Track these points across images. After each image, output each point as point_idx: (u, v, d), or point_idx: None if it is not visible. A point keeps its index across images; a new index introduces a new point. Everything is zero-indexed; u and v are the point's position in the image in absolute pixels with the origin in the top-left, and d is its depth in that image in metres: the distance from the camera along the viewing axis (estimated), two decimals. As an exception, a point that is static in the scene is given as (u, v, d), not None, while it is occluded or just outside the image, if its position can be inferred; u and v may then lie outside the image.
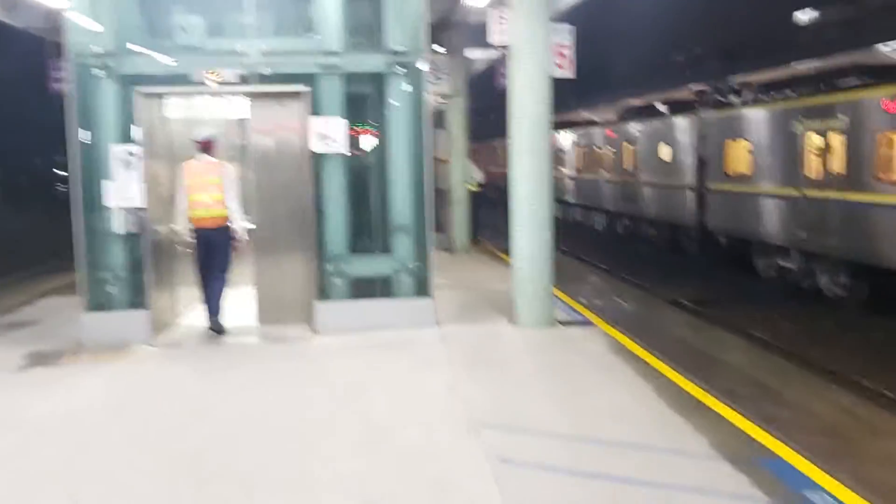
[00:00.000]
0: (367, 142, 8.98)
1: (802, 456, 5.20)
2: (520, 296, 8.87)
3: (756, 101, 17.01)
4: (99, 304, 8.47)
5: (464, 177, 15.59)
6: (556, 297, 10.49)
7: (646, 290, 15.86)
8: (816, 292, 14.75)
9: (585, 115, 31.03)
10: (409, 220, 8.86)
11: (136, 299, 8.51)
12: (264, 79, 8.54)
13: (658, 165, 21.34)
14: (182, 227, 8.77)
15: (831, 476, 4.87)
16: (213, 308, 8.82)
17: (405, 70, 8.67)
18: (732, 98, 18.17)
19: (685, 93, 21.31)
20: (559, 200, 30.53)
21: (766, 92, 16.90)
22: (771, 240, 15.98)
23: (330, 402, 6.53)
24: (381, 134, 8.90)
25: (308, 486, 4.90)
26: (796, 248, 15.12)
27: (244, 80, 8.51)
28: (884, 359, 10.65)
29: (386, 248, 8.92)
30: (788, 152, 15.27)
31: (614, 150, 24.56)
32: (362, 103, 8.92)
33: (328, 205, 8.73)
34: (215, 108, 10.86)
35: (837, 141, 13.88)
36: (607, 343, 8.18)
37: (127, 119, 8.40)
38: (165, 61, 8.45)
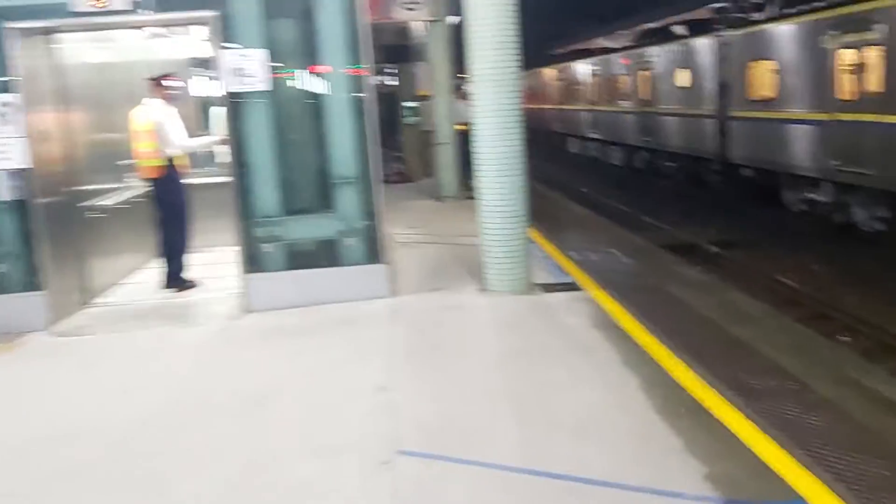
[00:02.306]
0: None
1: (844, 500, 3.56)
2: (489, 257, 7.21)
3: (780, 17, 14.82)
4: (-15, 286, 6.99)
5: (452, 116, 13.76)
6: (543, 250, 8.84)
7: (662, 233, 14.12)
8: (851, 227, 12.89)
9: (601, 42, 28.75)
10: (352, 171, 7.18)
11: (30, 279, 7.00)
12: (163, 4, 6.82)
13: (676, 93, 19.24)
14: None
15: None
16: (167, 268, 8.03)
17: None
18: (755, 15, 15.97)
19: (703, 12, 19.10)
20: (577, 136, 28.51)
21: (791, 4, 14.70)
22: (800, 170, 14.01)
23: (224, 413, 5.00)
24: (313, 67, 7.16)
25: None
26: (828, 178, 13.17)
27: (137, 6, 6.80)
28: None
29: (328, 207, 7.27)
30: (817, 71, 13.20)
31: (630, 79, 22.41)
32: (287, 30, 7.15)
33: (254, 156, 7.09)
34: (155, 49, 9.32)
35: (873, 55, 11.81)
36: (592, 314, 6.51)
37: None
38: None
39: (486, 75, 6.91)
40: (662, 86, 20.06)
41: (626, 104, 22.67)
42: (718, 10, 17.71)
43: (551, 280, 7.64)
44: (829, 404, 4.71)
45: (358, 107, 7.10)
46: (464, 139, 13.94)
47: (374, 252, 7.23)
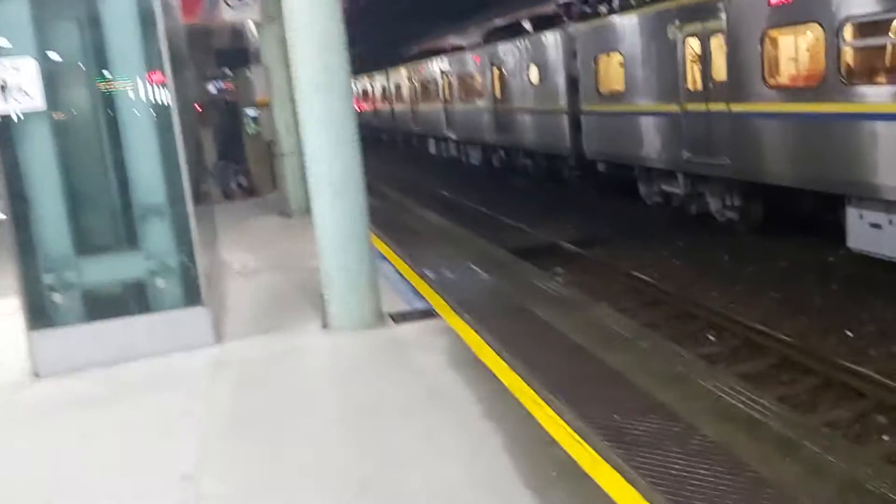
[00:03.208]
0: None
1: None
2: (330, 290, 6.19)
3: (625, 8, 14.52)
4: None
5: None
6: (397, 269, 7.90)
7: (523, 234, 13.55)
8: (706, 217, 12.71)
9: (454, 40, 28.25)
10: (160, 198, 5.98)
11: None
12: None
13: (528, 90, 18.81)
14: None
15: None
16: None
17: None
18: (601, 7, 15.65)
19: (551, 6, 18.78)
20: (436, 136, 27.79)
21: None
22: (653, 163, 13.75)
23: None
24: (104, 76, 5.89)
25: None
26: (682, 170, 12.94)
27: None
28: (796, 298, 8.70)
29: (133, 242, 6.02)
30: (665, 63, 12.93)
31: (483, 77, 21.86)
32: (68, 36, 5.85)
33: (35, 187, 5.75)
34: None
35: (717, 45, 11.59)
36: (449, 348, 5.61)
37: None
38: None
39: (312, 81, 5.86)
40: (514, 83, 19.60)
41: (480, 103, 22.13)
42: (565, 4, 17.40)
43: (405, 307, 6.70)
44: (716, 448, 4.03)
45: (162, 121, 5.90)
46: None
47: (192, 293, 6.04)
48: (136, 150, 5.89)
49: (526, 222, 14.32)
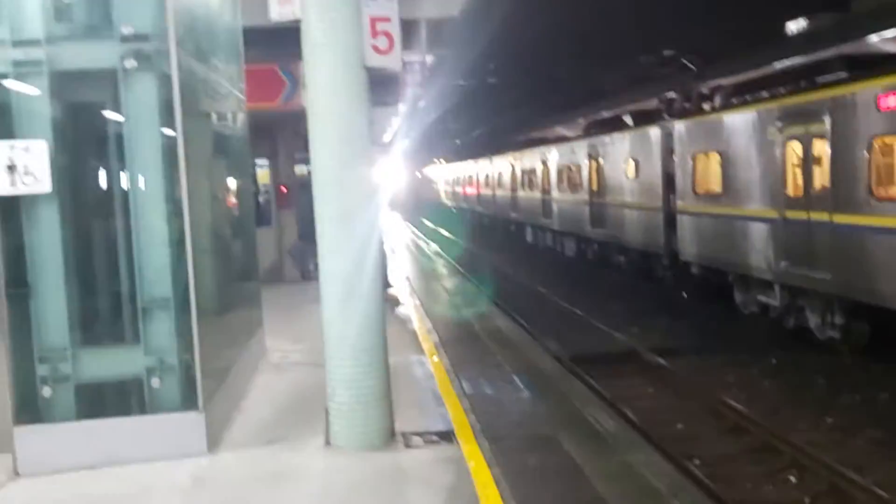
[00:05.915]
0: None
1: None
2: (334, 402, 5.46)
3: (725, 107, 13.55)
4: None
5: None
6: (433, 374, 7.11)
7: (603, 336, 12.50)
8: (805, 332, 11.29)
9: (556, 130, 27.74)
10: (166, 290, 5.49)
11: None
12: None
13: (624, 184, 17.90)
14: None
15: None
16: None
17: (140, 63, 5.32)
18: (702, 105, 14.73)
19: (652, 101, 17.97)
20: (533, 224, 27.07)
21: (738, 95, 13.45)
22: (749, 271, 12.49)
23: None
24: (116, 164, 5.55)
25: None
26: (779, 280, 11.63)
27: None
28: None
29: (134, 335, 5.54)
30: (765, 166, 11.83)
31: (580, 168, 21.11)
32: (79, 116, 5.56)
33: (37, 273, 5.38)
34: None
35: (820, 149, 10.44)
36: (452, 487, 4.72)
37: None
38: None
39: (333, 178, 5.30)
40: (610, 176, 18.76)
41: (577, 194, 21.34)
42: (667, 100, 16.57)
43: (424, 425, 5.87)
44: None
45: (172, 209, 5.47)
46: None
47: (188, 396, 5.45)
48: (145, 237, 5.45)
49: (611, 324, 13.24)
